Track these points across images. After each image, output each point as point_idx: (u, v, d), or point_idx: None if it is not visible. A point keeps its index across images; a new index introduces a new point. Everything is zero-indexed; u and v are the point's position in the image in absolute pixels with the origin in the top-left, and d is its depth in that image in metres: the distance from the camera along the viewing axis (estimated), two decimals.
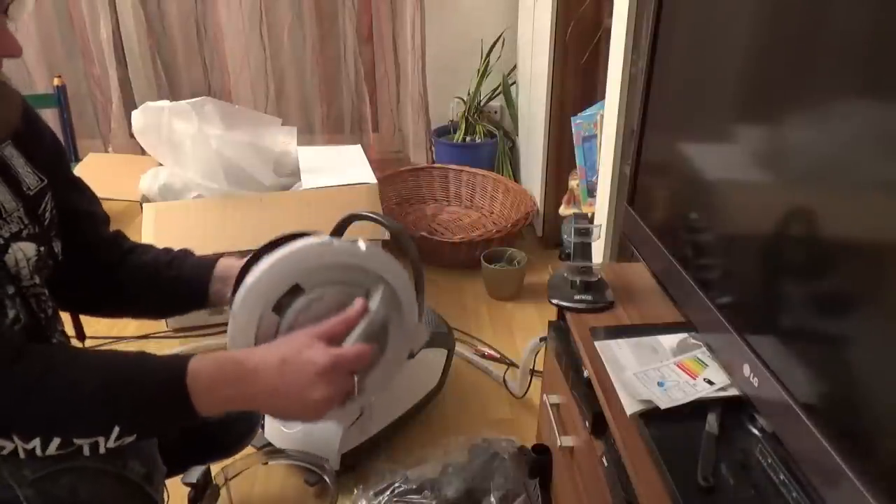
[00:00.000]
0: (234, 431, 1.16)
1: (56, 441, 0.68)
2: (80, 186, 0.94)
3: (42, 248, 0.80)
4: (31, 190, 0.81)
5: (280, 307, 0.76)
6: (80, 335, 0.96)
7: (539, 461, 1.24)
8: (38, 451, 0.68)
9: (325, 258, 0.78)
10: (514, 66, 2.64)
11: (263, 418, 1.40)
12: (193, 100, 2.00)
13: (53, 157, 0.88)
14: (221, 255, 0.94)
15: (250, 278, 0.75)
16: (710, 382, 0.87)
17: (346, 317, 0.76)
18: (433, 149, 2.76)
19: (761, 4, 0.78)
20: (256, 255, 0.82)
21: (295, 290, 0.76)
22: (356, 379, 0.74)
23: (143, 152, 2.19)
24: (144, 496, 0.77)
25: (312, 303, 0.77)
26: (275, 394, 0.72)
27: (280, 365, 0.72)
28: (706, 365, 0.91)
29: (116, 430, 0.69)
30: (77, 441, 0.69)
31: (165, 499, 0.89)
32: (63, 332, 0.89)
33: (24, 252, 0.77)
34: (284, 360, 0.72)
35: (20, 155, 0.82)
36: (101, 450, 0.70)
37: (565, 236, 1.15)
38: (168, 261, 0.94)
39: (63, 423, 0.69)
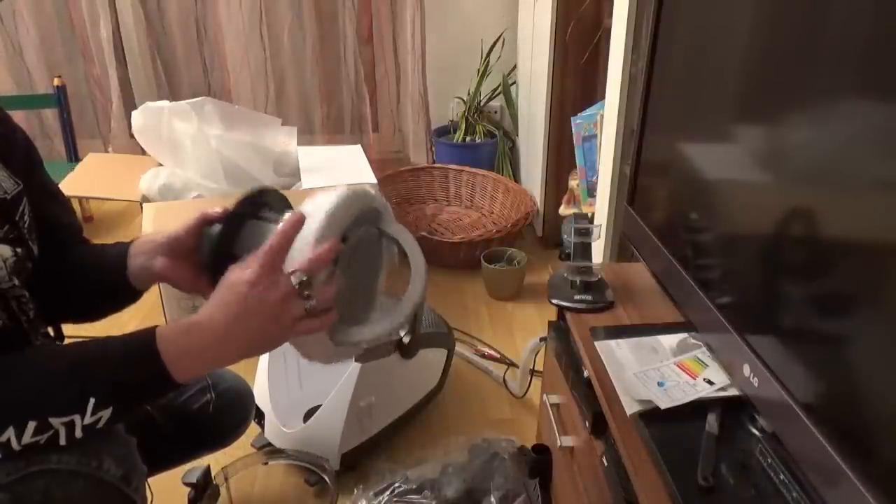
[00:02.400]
0: (225, 423, 1.16)
1: (31, 425, 0.66)
2: (56, 195, 0.93)
3: (19, 250, 0.79)
4: (7, 194, 0.79)
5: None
6: (59, 337, 0.95)
7: (539, 461, 1.24)
8: (14, 443, 0.66)
9: (365, 205, 0.79)
10: (514, 66, 2.64)
11: (262, 418, 1.40)
12: (193, 100, 2.00)
13: (27, 161, 0.87)
14: None
15: (309, 239, 0.73)
16: (710, 382, 0.87)
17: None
18: (433, 149, 2.76)
19: (761, 4, 0.78)
20: (238, 213, 0.80)
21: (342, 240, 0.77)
22: (294, 277, 0.71)
23: (143, 152, 2.19)
24: (122, 497, 0.76)
25: (359, 244, 0.79)
26: (232, 329, 0.71)
27: (222, 305, 0.71)
28: (706, 365, 0.91)
29: (92, 401, 0.68)
30: (53, 421, 0.67)
31: (149, 498, 0.87)
32: (46, 335, 0.88)
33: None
34: (223, 300, 0.71)
35: None
36: (78, 432, 0.68)
37: (565, 236, 1.15)
38: (98, 253, 0.93)
39: (36, 401, 0.67)
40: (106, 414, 0.69)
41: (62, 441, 0.68)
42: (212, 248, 0.80)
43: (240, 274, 0.71)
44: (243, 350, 0.73)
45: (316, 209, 0.74)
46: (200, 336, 0.72)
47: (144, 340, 0.70)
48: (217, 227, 0.81)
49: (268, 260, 0.71)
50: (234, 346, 0.73)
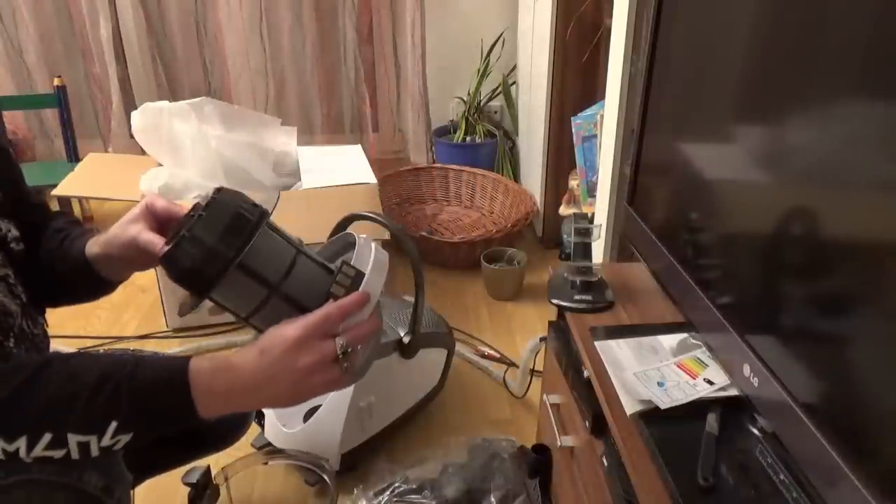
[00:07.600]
0: (226, 423, 1.15)
1: (47, 438, 0.65)
2: (22, 177, 0.90)
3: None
4: None
5: None
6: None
7: (539, 461, 1.24)
8: (24, 453, 0.65)
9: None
10: (514, 66, 2.64)
11: (262, 418, 1.40)
12: (193, 100, 2.00)
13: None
14: None
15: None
16: (710, 382, 0.87)
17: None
18: (433, 149, 2.76)
19: (761, 4, 0.78)
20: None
21: None
22: (339, 342, 0.72)
23: (143, 152, 2.19)
24: None
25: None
26: (259, 381, 0.71)
27: (258, 354, 0.71)
28: (706, 365, 0.91)
29: (113, 425, 0.66)
30: (70, 437, 0.65)
31: None
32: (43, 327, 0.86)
33: None
34: (262, 349, 0.71)
35: None
36: (93, 451, 0.67)
37: (565, 236, 1.15)
38: (65, 241, 0.88)
39: (59, 415, 0.65)
40: (125, 439, 0.68)
41: (74, 456, 0.67)
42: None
43: (285, 331, 0.71)
44: (269, 403, 0.77)
45: (370, 282, 0.75)
46: (229, 379, 0.71)
47: (177, 370, 0.70)
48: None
49: (320, 328, 0.71)
50: (260, 399, 0.74)
